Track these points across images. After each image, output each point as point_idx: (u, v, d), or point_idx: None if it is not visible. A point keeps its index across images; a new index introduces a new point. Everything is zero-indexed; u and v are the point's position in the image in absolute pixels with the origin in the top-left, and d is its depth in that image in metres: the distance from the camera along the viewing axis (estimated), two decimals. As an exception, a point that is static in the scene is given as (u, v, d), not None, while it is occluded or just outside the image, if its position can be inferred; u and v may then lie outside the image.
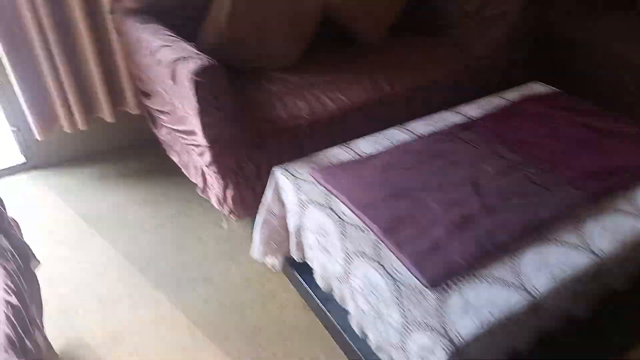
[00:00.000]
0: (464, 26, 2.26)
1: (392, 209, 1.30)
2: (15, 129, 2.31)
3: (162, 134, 2.09)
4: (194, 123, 1.64)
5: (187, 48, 1.63)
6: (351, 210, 1.32)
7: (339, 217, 1.33)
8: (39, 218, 2.13)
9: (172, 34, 1.75)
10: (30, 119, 2.19)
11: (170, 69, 1.61)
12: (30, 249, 1.45)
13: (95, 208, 2.19)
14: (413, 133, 1.69)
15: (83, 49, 2.13)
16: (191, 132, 1.71)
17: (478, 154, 1.54)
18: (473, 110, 1.84)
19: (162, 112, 1.95)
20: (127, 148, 2.56)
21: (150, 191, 2.29)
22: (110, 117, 2.35)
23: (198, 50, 1.65)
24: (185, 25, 1.94)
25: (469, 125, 1.70)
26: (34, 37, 2.00)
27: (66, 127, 2.28)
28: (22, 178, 2.37)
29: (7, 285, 1.18)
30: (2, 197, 1.43)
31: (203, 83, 1.50)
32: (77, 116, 2.26)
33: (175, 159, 2.06)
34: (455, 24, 2.29)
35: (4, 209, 1.42)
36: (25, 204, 2.22)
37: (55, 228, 2.07)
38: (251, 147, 1.73)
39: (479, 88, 2.06)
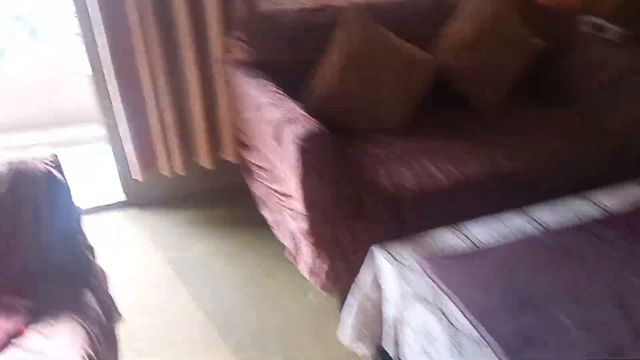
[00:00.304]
0: (597, 99, 2.02)
1: (517, 322, 1.09)
2: (120, 167, 2.37)
3: (257, 188, 2.02)
4: (293, 187, 1.54)
5: (295, 109, 1.55)
6: (466, 317, 1.13)
7: (450, 322, 1.14)
8: (128, 258, 2.13)
9: (280, 91, 1.70)
10: (132, 159, 2.23)
11: (275, 129, 1.54)
12: (115, 305, 1.41)
13: (183, 255, 2.16)
14: (537, 222, 1.47)
15: (189, 95, 2.16)
16: (288, 195, 1.62)
17: (621, 260, 1.29)
18: (609, 199, 1.58)
19: (259, 167, 1.89)
20: (220, 194, 2.54)
21: (238, 243, 2.23)
22: (208, 163, 2.35)
23: (305, 107, 1.58)
24: (293, 79, 1.89)
25: (607, 220, 1.45)
26: (145, 79, 2.05)
27: (165, 170, 2.30)
28: (120, 215, 2.42)
29: (85, 350, 1.11)
30: (93, 246, 1.40)
31: (309, 149, 1.41)
32: (177, 160, 2.28)
33: (267, 215, 1.98)
34: (585, 95, 2.05)
35: (94, 256, 1.39)
36: (119, 241, 2.24)
37: (142, 273, 2.06)
38: (349, 217, 1.60)
39: (613, 172, 1.79)
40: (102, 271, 1.42)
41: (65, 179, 1.26)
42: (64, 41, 3.18)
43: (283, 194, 1.67)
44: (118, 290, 1.46)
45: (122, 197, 2.47)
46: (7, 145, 3.05)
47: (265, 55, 1.92)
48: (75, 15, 2.00)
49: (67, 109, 3.29)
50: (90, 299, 1.24)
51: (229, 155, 2.35)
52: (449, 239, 1.42)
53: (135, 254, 2.17)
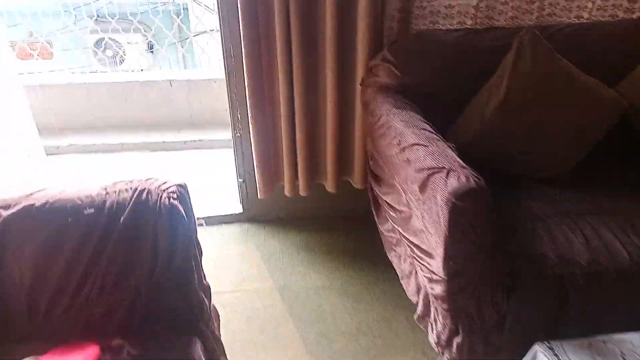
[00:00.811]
0: None
1: None
2: (241, 180, 2.30)
3: (385, 228, 1.80)
4: (433, 245, 1.29)
5: (448, 154, 1.30)
6: None
7: None
8: (239, 281, 2.04)
9: (430, 128, 1.45)
10: (256, 176, 2.13)
11: (420, 176, 1.30)
12: (224, 355, 1.28)
13: (294, 284, 2.01)
14: None
15: (324, 114, 2.00)
16: (426, 253, 1.37)
17: None
18: None
19: (392, 207, 1.66)
20: (341, 221, 2.36)
21: (355, 279, 2.03)
22: (332, 187, 2.17)
23: (455, 145, 1.32)
24: (444, 110, 1.64)
25: None
26: (281, 96, 1.92)
27: (287, 190, 2.18)
28: (236, 229, 2.35)
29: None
30: (210, 285, 1.28)
31: (464, 210, 1.15)
32: (301, 181, 2.14)
33: (393, 260, 1.75)
34: None
35: (209, 299, 1.26)
36: (229, 257, 2.16)
37: (252, 301, 1.94)
38: (498, 290, 1.31)
39: None
40: (216, 314, 1.30)
41: (191, 214, 1.14)
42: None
43: (419, 248, 1.42)
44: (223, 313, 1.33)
45: (239, 209, 2.40)
46: (145, 141, 3.17)
47: (414, 81, 1.68)
48: (218, 29, 1.93)
49: (202, 112, 3.35)
50: (199, 351, 1.11)
51: (357, 183, 2.15)
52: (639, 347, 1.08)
53: (246, 278, 2.06)
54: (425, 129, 1.43)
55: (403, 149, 1.41)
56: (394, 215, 1.65)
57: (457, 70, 1.68)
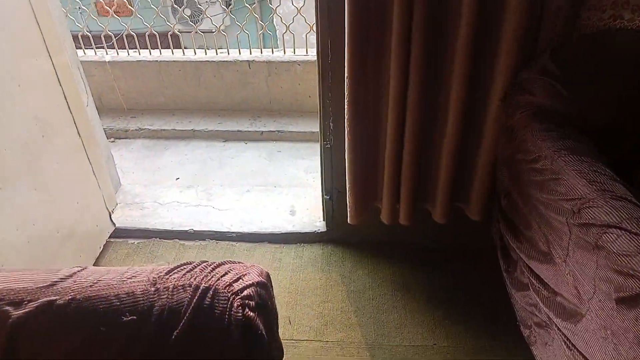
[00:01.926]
0: None
1: None
2: (328, 197, 1.90)
3: (520, 294, 1.35)
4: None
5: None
6: None
7: None
8: (320, 327, 1.68)
9: (632, 196, 0.96)
10: (347, 198, 1.72)
11: (593, 245, 0.84)
12: None
13: (388, 340, 1.62)
14: None
15: (441, 133, 1.54)
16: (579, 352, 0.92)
17: None
18: None
19: (540, 279, 1.20)
20: (446, 255, 1.93)
21: (467, 339, 1.61)
22: (441, 216, 1.73)
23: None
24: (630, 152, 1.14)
25: None
26: (388, 102, 1.48)
27: (385, 218, 1.76)
28: (317, 252, 1.98)
29: None
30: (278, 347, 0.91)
31: None
32: (402, 207, 1.71)
33: (532, 342, 1.30)
34: None
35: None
36: (311, 288, 1.80)
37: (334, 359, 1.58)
38: None
39: None
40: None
41: (274, 329, 0.77)
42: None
43: (571, 343, 0.97)
44: None
45: (322, 226, 2.03)
46: (218, 129, 2.85)
47: (590, 104, 1.18)
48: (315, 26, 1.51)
49: (282, 98, 2.97)
50: None
51: (474, 214, 1.69)
52: None
53: (328, 318, 1.70)
54: (626, 198, 0.94)
55: (587, 225, 0.94)
56: (543, 291, 1.19)
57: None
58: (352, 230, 1.94)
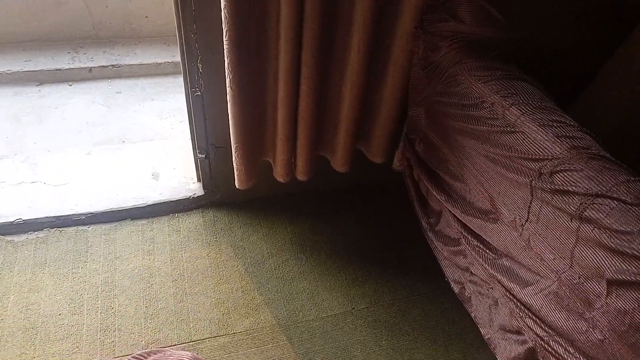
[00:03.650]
0: None
1: None
2: (203, 156, 1.53)
3: (441, 241, 1.22)
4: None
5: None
6: None
7: None
8: (221, 317, 1.40)
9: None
10: (234, 159, 1.38)
11: (575, 217, 0.70)
12: None
13: (303, 314, 1.41)
14: None
15: (344, 74, 1.25)
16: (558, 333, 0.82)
17: None
18: None
19: (462, 223, 1.06)
20: (348, 197, 1.73)
21: (386, 296, 1.48)
22: (343, 165, 1.50)
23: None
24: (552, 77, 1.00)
25: None
26: (278, 34, 1.13)
27: (279, 175, 1.47)
28: (197, 221, 1.63)
29: None
30: None
31: None
32: (300, 160, 1.43)
33: (465, 297, 1.20)
34: None
35: None
36: (200, 269, 1.49)
37: (247, 354, 1.33)
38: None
39: None
40: None
41: None
42: None
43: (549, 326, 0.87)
44: None
45: (199, 190, 1.67)
46: (27, 69, 2.14)
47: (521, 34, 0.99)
48: None
49: (109, 21, 2.32)
50: None
51: (375, 156, 1.49)
52: None
53: (228, 305, 1.43)
54: (605, 157, 0.79)
55: (564, 193, 0.78)
56: (485, 251, 1.06)
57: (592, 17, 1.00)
58: (236, 189, 1.61)
